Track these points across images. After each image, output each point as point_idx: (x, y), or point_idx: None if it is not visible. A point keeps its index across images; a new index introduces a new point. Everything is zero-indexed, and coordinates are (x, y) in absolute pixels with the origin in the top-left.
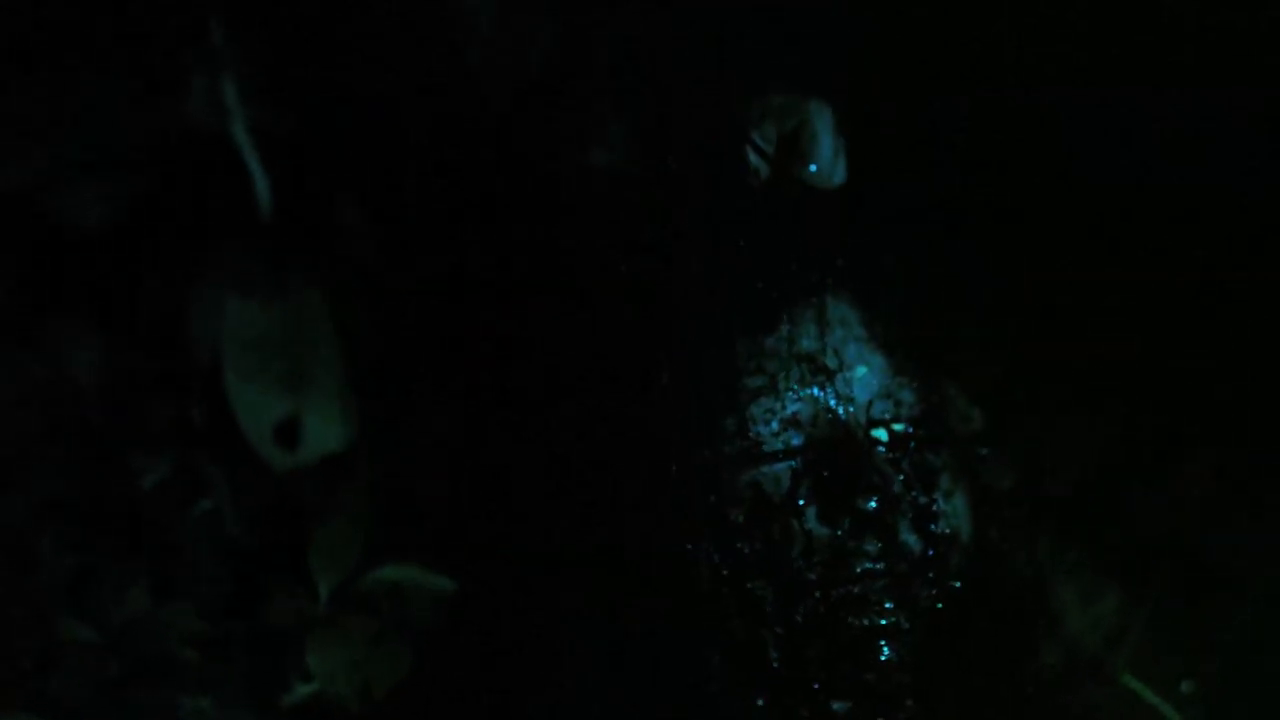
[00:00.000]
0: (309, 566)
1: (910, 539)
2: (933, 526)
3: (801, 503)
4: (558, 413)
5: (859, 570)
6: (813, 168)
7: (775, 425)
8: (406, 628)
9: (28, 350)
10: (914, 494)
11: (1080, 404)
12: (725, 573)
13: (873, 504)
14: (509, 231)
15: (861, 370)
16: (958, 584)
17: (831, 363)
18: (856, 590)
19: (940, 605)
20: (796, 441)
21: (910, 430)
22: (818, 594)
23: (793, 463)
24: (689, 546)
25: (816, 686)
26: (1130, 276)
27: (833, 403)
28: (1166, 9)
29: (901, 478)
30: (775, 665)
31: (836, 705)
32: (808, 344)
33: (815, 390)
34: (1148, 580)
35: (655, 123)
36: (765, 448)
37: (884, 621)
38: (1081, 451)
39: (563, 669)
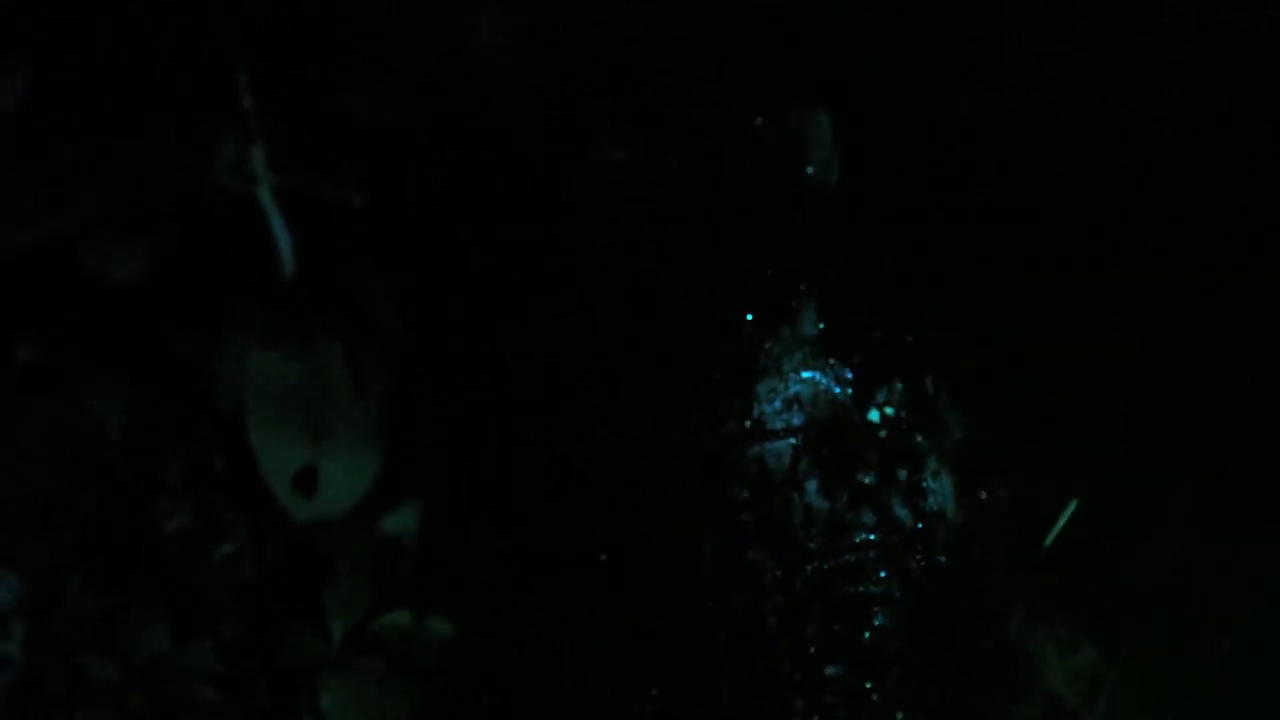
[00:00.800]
0: (323, 610)
1: (902, 513)
2: (921, 503)
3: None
4: (577, 448)
5: (855, 540)
6: (809, 169)
7: (779, 404)
8: (414, 667)
9: (59, 398)
10: (904, 471)
11: (1069, 421)
12: (729, 546)
13: (869, 479)
14: (525, 288)
15: (858, 357)
16: (943, 558)
17: (830, 349)
18: (852, 559)
19: (927, 576)
20: (797, 421)
21: (902, 414)
22: (816, 563)
23: (794, 440)
24: (696, 525)
25: (812, 650)
26: (1130, 277)
27: (832, 386)
28: (1166, 9)
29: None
30: (774, 629)
31: (830, 669)
32: (809, 330)
33: (815, 374)
34: (1121, 634)
35: (655, 123)
36: (769, 426)
37: (876, 589)
38: (1064, 483)
39: (569, 688)
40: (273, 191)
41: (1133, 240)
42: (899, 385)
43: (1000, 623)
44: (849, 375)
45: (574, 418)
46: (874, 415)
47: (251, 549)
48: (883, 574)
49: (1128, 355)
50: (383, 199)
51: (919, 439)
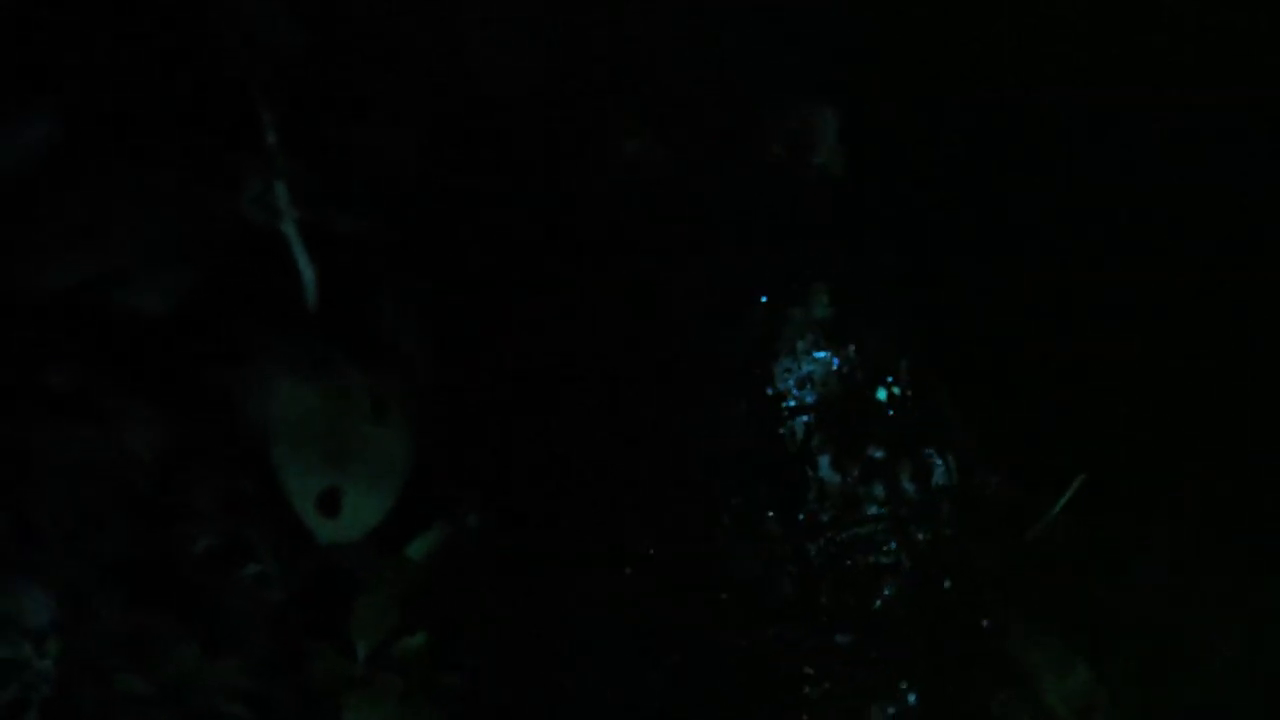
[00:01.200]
0: (348, 630)
1: (909, 487)
2: (928, 478)
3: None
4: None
5: (866, 512)
6: (818, 159)
7: (792, 383)
8: (434, 687)
9: (94, 426)
10: (911, 447)
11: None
12: (746, 515)
13: (879, 454)
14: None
15: (868, 339)
16: (949, 530)
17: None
18: (863, 531)
19: (934, 547)
20: (811, 399)
21: (908, 394)
22: (829, 534)
23: (807, 417)
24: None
25: (826, 619)
26: (1130, 277)
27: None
28: (1166, 9)
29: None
30: (788, 596)
31: (840, 638)
32: (820, 313)
33: (827, 354)
34: (1111, 659)
35: (659, 122)
36: (785, 403)
37: (885, 560)
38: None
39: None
40: (297, 225)
41: (1133, 238)
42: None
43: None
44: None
45: (591, 435)
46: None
47: (278, 570)
48: (892, 545)
49: (1123, 358)
50: (402, 231)
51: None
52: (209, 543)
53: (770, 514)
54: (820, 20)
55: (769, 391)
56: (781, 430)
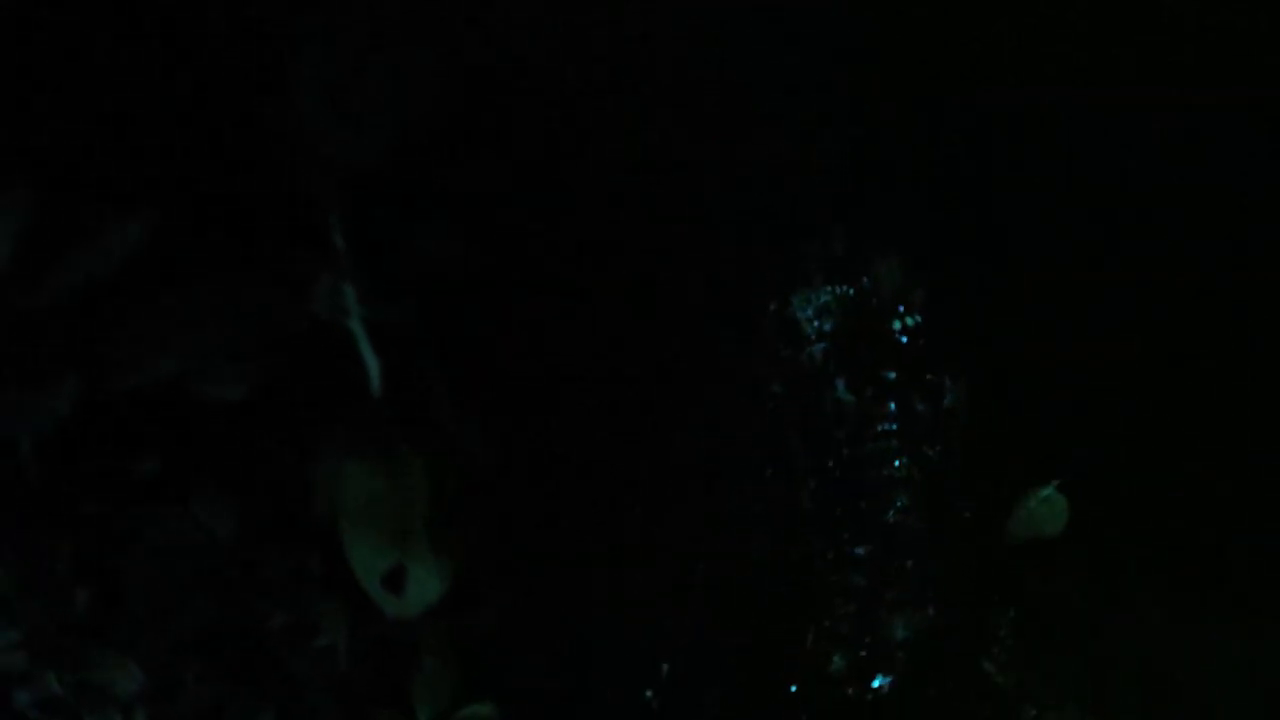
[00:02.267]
0: (410, 700)
1: (921, 407)
2: (938, 399)
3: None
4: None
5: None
6: None
7: (811, 312)
8: None
9: (178, 509)
10: (923, 371)
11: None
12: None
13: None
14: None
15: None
16: (957, 447)
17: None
18: (876, 446)
19: (943, 462)
20: (828, 328)
21: (920, 322)
22: (845, 449)
23: (824, 344)
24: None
25: (845, 534)
26: (1129, 277)
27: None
28: (1166, 9)
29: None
30: (807, 508)
31: (859, 549)
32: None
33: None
34: (1103, 698)
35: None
36: (804, 331)
37: (898, 474)
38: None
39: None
40: (363, 322)
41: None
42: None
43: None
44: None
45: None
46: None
47: (345, 642)
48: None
49: (1122, 359)
50: (458, 329)
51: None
52: (282, 618)
53: (790, 435)
54: (820, 20)
55: (788, 320)
56: (800, 356)
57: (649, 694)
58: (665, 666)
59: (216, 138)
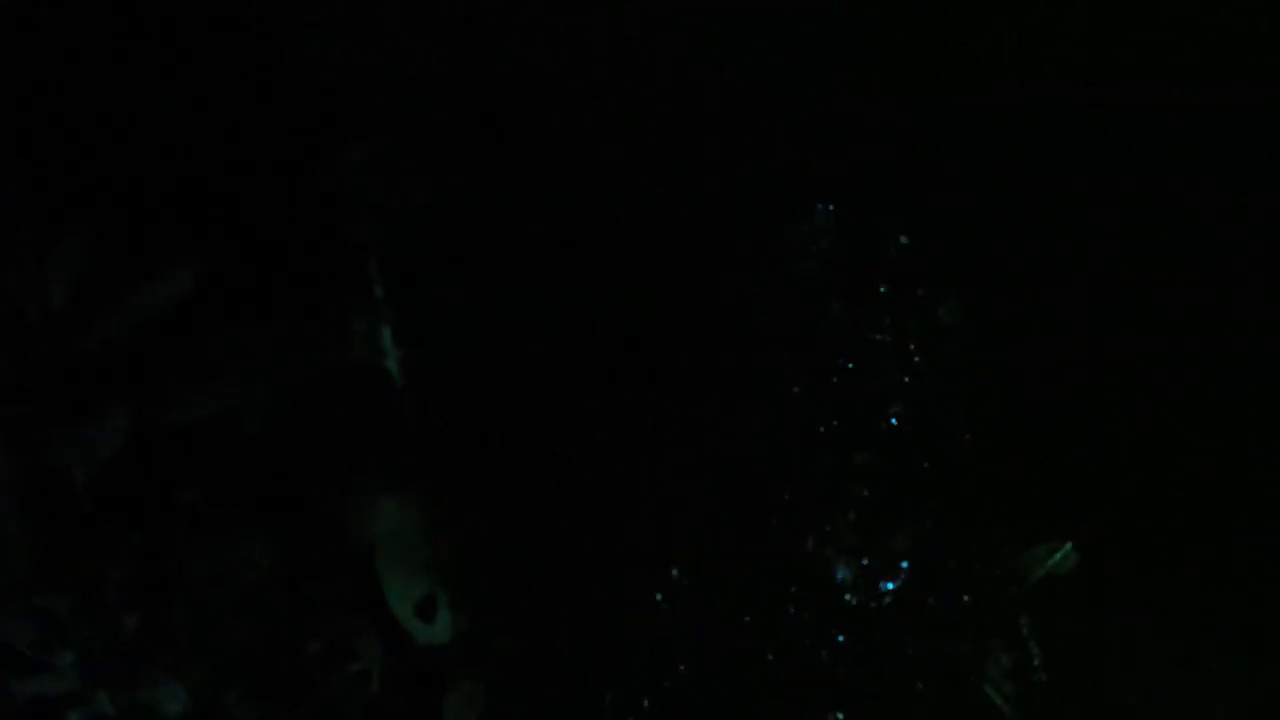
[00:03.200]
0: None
1: (914, 323)
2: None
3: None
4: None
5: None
6: None
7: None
8: None
9: (222, 540)
10: (925, 311)
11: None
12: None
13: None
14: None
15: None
16: (952, 362)
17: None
18: (873, 360)
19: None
20: (825, 246)
21: (922, 270)
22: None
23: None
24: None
25: (843, 441)
26: (1129, 276)
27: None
28: (1166, 9)
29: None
30: (806, 425)
31: (857, 458)
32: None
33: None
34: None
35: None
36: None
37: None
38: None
39: None
40: (399, 364)
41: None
42: None
43: None
44: None
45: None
46: None
47: (378, 667)
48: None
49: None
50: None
51: None
52: (320, 644)
53: (787, 354)
54: (820, 20)
55: (783, 241)
56: (797, 275)
57: (673, 711)
58: (687, 689)
59: (265, 191)
